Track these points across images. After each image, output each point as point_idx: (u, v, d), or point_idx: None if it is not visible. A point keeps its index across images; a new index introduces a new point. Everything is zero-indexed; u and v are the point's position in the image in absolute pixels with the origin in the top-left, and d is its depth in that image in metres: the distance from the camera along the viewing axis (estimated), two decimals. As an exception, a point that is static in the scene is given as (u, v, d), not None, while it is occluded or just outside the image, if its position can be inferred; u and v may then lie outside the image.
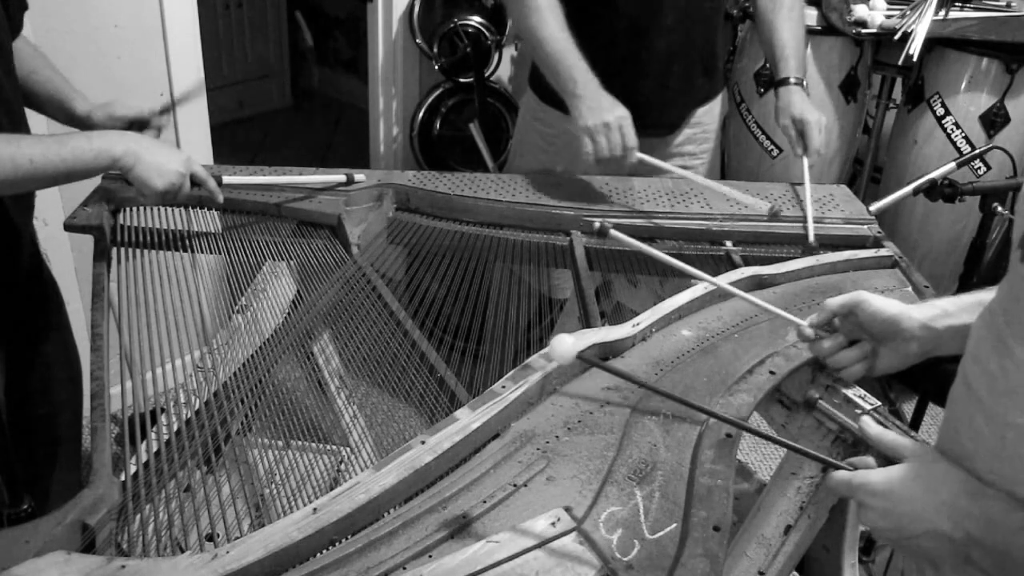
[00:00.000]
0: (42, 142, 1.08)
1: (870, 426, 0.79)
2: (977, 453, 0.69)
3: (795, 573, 1.10)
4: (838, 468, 0.77)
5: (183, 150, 1.27)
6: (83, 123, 1.32)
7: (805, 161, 1.50)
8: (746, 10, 2.41)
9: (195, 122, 2.12)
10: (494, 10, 2.62)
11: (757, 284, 1.27)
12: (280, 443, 1.01)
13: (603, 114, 1.40)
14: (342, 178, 1.46)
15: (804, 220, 1.43)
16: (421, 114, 2.68)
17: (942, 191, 1.58)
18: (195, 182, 1.23)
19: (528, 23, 1.49)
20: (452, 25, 2.55)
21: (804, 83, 1.56)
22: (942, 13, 2.14)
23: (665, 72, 1.62)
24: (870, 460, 0.76)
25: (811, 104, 1.54)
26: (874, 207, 1.56)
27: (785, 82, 1.56)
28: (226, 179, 1.32)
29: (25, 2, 1.27)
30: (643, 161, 1.46)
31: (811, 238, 1.40)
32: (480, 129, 2.57)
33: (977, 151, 1.84)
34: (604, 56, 1.48)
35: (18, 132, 1.23)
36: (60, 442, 1.45)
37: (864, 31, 2.19)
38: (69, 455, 1.48)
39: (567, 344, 0.87)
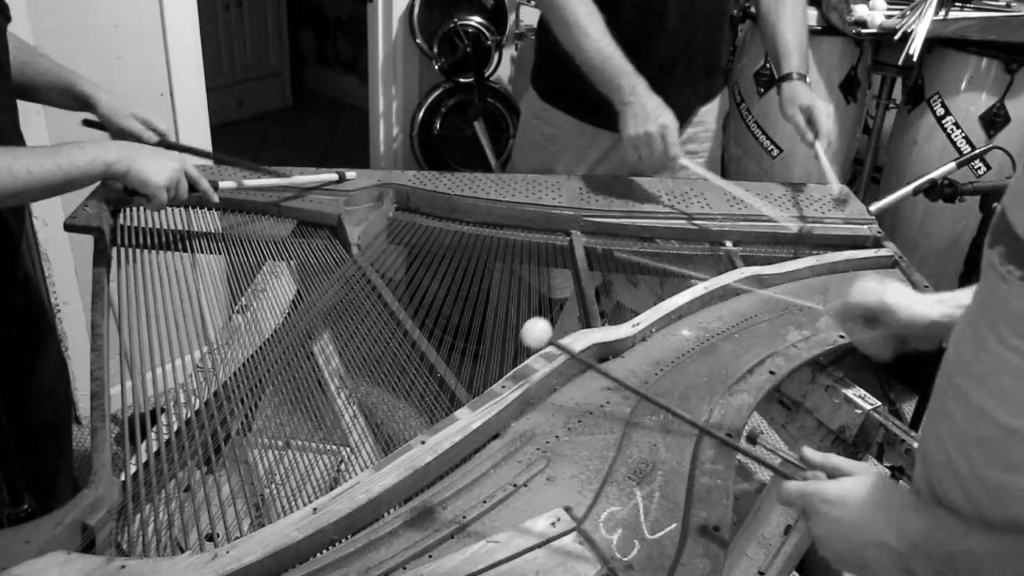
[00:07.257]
0: (37, 152, 1.08)
1: (812, 453, 0.80)
2: (949, 436, 0.71)
3: (795, 573, 1.11)
4: (790, 479, 0.77)
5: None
6: (92, 104, 1.32)
7: (818, 145, 1.49)
8: (746, 10, 2.41)
9: (195, 122, 2.12)
10: (494, 10, 2.62)
11: (757, 284, 1.27)
12: (280, 443, 1.01)
13: (647, 123, 1.42)
14: (334, 176, 1.46)
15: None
16: (421, 114, 2.68)
17: (942, 191, 1.58)
18: (189, 182, 1.23)
19: (571, 40, 1.49)
20: (452, 25, 2.55)
21: (807, 79, 1.56)
22: (942, 13, 2.13)
23: (668, 73, 1.62)
24: (822, 475, 0.77)
25: (815, 95, 1.54)
26: (874, 207, 1.56)
27: (788, 78, 1.56)
28: (222, 184, 1.32)
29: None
30: (687, 167, 1.47)
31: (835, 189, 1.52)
32: (484, 128, 2.58)
33: (977, 151, 1.84)
34: None
35: (15, 133, 1.23)
36: (58, 442, 1.45)
37: (864, 31, 2.19)
38: (66, 454, 1.48)
39: (539, 327, 0.81)
